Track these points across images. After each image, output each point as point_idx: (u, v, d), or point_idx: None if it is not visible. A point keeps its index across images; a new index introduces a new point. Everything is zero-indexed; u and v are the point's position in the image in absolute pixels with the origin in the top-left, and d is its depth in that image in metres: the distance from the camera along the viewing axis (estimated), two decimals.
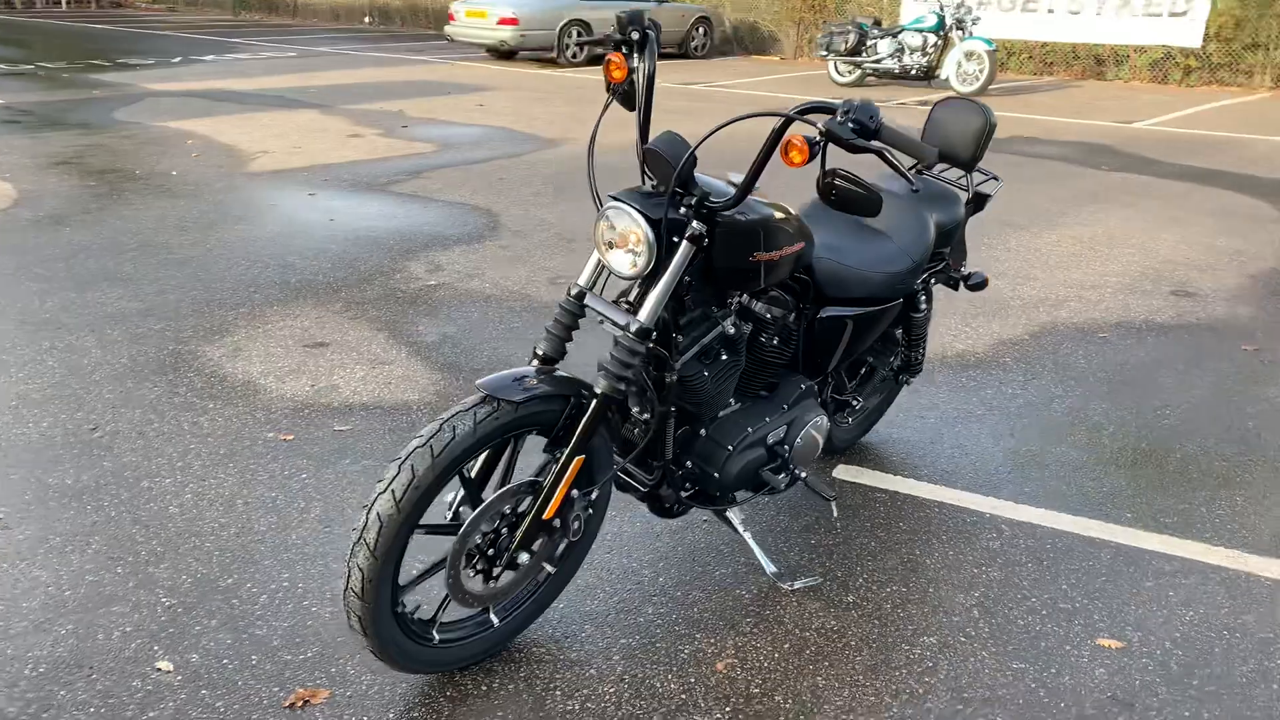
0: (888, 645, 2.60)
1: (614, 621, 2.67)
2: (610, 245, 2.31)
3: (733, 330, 2.59)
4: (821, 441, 2.90)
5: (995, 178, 3.46)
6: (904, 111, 11.68)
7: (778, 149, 2.16)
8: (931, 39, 13.15)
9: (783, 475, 2.73)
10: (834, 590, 2.83)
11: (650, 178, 2.39)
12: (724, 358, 2.61)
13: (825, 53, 13.74)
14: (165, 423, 3.71)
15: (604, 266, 2.43)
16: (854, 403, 3.27)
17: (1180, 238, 6.42)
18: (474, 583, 2.36)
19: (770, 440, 2.75)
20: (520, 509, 2.36)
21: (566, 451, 2.31)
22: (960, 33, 13.02)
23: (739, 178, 2.45)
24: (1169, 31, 14.69)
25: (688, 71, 15.61)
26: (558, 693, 2.41)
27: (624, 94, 2.55)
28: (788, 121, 2.19)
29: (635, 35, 2.43)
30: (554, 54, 15.86)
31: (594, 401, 2.31)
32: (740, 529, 2.76)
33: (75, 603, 2.69)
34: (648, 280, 2.35)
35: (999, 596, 2.80)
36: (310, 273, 5.45)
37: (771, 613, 2.72)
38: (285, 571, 2.85)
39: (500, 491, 2.31)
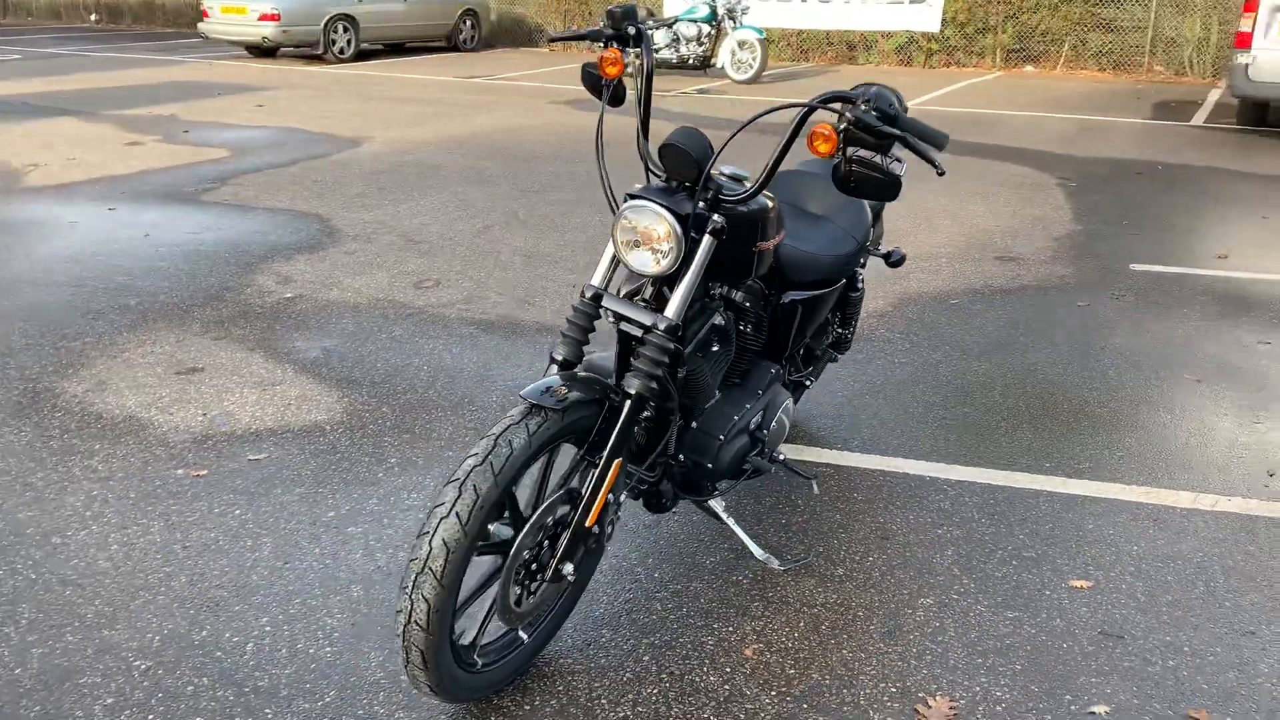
0: (893, 611, 2.71)
1: (629, 622, 2.65)
2: (636, 244, 2.28)
3: (722, 321, 2.62)
4: (789, 423, 2.98)
5: (899, 160, 3.63)
6: (689, 100, 12.00)
7: (802, 139, 2.20)
8: (705, 29, 13.56)
9: (765, 459, 2.78)
10: (823, 566, 2.92)
11: (658, 173, 2.37)
12: (716, 349, 2.64)
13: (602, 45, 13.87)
14: (51, 470, 3.34)
15: (617, 267, 2.39)
16: (807, 384, 3.37)
17: (986, 209, 6.96)
18: (519, 600, 2.29)
19: (750, 426, 2.80)
20: (559, 519, 2.30)
21: (605, 455, 2.27)
22: (732, 22, 13.49)
23: (729, 169, 2.48)
24: (912, 18, 15.79)
25: (464, 65, 15.39)
26: (604, 701, 2.38)
27: (615, 94, 2.53)
28: (808, 112, 2.23)
29: (632, 30, 2.41)
30: (320, 50, 15.22)
31: (628, 402, 2.27)
32: (724, 517, 2.79)
33: (31, 682, 2.40)
34: (667, 277, 2.33)
35: (970, 553, 2.98)
36: (149, 293, 5.02)
37: (774, 594, 2.78)
38: (261, 616, 2.65)
39: (547, 503, 2.24)
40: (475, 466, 2.06)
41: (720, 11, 13.52)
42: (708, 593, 2.78)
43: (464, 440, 3.57)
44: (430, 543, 2.03)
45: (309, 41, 15.11)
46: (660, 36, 13.69)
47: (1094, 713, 2.35)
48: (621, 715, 2.33)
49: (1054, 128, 10.10)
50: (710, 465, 2.64)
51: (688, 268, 2.29)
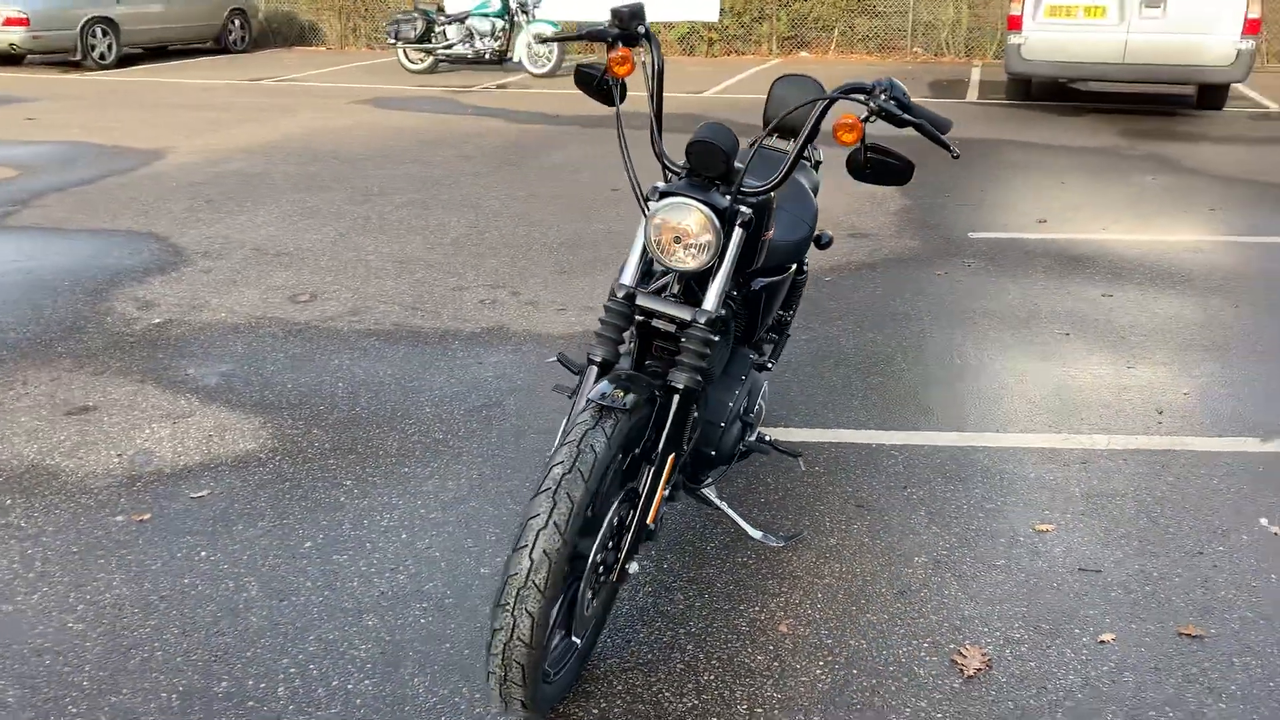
0: (896, 574, 2.87)
1: (658, 614, 2.69)
2: (676, 240, 2.30)
3: (725, 312, 2.69)
4: (765, 405, 3.09)
5: (816, 148, 3.80)
6: (490, 95, 11.91)
7: (825, 130, 2.29)
8: (499, 23, 13.48)
9: (755, 441, 2.88)
10: (815, 539, 3.05)
11: (674, 169, 2.40)
12: (717, 339, 2.70)
13: (394, 41, 13.55)
14: None
15: (650, 264, 2.41)
16: (769, 366, 3.48)
17: (848, 185, 7.29)
18: (588, 604, 2.29)
19: (740, 411, 2.89)
20: (622, 519, 2.31)
21: (660, 452, 2.30)
22: (525, 16, 13.47)
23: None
24: (691, 8, 16.26)
25: (240, 67, 14.61)
26: (667, 693, 2.41)
27: (607, 90, 2.54)
28: (829, 104, 2.33)
29: (642, 30, 2.43)
30: (77, 56, 14.07)
31: (677, 397, 2.31)
32: (719, 502, 2.87)
33: None
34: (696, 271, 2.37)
35: (940, 511, 3.19)
36: None
37: (782, 571, 2.89)
38: (280, 657, 2.52)
39: (614, 506, 2.25)
40: (565, 475, 2.04)
41: (513, 5, 13.46)
42: (722, 577, 2.85)
43: (414, 455, 3.48)
44: (530, 555, 2.00)
45: (64, 47, 13.94)
46: (453, 32, 13.51)
47: (1104, 641, 2.58)
48: (690, 705, 2.37)
49: (852, 107, 10.66)
50: (714, 452, 2.70)
51: (722, 260, 2.34)
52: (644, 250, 2.41)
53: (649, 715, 2.34)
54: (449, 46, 13.55)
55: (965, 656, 2.52)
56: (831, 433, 3.67)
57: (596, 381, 2.31)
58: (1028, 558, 2.94)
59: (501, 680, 2.08)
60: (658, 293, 2.44)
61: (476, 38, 13.48)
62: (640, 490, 2.31)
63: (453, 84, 12.83)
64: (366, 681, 2.43)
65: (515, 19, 13.50)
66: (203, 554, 2.94)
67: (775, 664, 2.51)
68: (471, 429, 3.68)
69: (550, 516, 2.01)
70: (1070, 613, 2.70)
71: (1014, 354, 4.37)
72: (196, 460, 3.45)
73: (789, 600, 2.75)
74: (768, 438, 2.96)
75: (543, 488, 2.04)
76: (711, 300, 2.34)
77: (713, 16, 16.33)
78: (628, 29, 2.48)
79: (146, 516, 3.12)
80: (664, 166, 2.44)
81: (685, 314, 2.33)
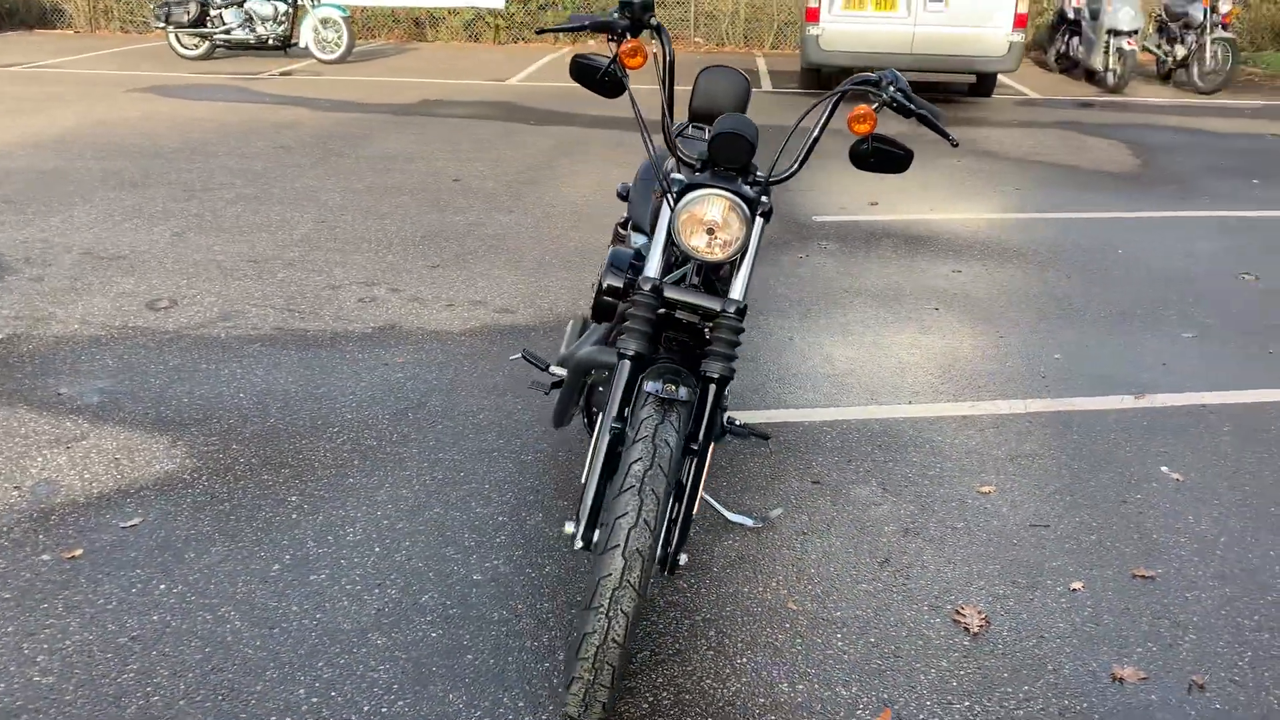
0: (872, 544, 3.01)
1: (668, 605, 2.71)
2: (709, 232, 2.32)
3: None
4: None
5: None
6: (282, 83, 11.36)
7: (838, 120, 2.37)
8: (282, 7, 12.83)
9: (728, 425, 2.94)
10: (787, 518, 3.14)
11: (689, 160, 2.42)
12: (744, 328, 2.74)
13: (164, 25, 12.64)
14: None
15: (673, 256, 2.41)
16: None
17: None
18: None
19: None
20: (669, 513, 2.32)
21: (701, 441, 2.32)
22: (310, 0, 12.88)
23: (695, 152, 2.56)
24: None
25: None
26: (709, 681, 2.44)
27: (609, 82, 2.52)
28: (840, 96, 2.41)
29: (654, 22, 2.42)
30: None
31: (713, 386, 2.33)
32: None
33: None
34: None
35: (890, 481, 3.36)
36: None
37: (770, 551, 2.97)
38: (295, 688, 2.37)
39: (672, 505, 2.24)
40: (646, 471, 2.03)
41: None
42: (716, 562, 2.90)
43: (353, 465, 3.32)
44: (623, 555, 1.98)
45: None
46: (231, 16, 12.74)
47: (1075, 589, 2.81)
48: (734, 689, 2.41)
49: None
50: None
51: (748, 250, 2.38)
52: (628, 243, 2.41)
53: (698, 703, 2.35)
54: (227, 31, 12.76)
55: (964, 615, 2.68)
56: (762, 413, 3.78)
57: (630, 376, 2.29)
58: (983, 518, 3.15)
59: (589, 685, 2.04)
60: (677, 282, 2.45)
61: (258, 22, 12.77)
62: (685, 482, 2.32)
63: (236, 71, 12.11)
64: (400, 703, 2.32)
65: (300, 2, 12.87)
66: (161, 587, 2.70)
67: (798, 640, 2.58)
68: (404, 433, 3.54)
69: (639, 514, 1.99)
70: (1038, 566, 2.92)
71: (897, 330, 4.63)
72: (111, 486, 3.15)
73: (785, 579, 2.83)
74: (737, 421, 3.02)
75: (625, 486, 2.02)
76: (739, 289, 2.37)
77: (498, 3, 16.16)
78: (640, 20, 2.46)
79: (77, 553, 2.83)
80: (679, 159, 2.43)
81: (715, 304, 2.35)
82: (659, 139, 3.47)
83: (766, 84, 12.12)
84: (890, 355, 4.35)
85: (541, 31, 2.67)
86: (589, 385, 2.94)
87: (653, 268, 2.39)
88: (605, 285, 2.72)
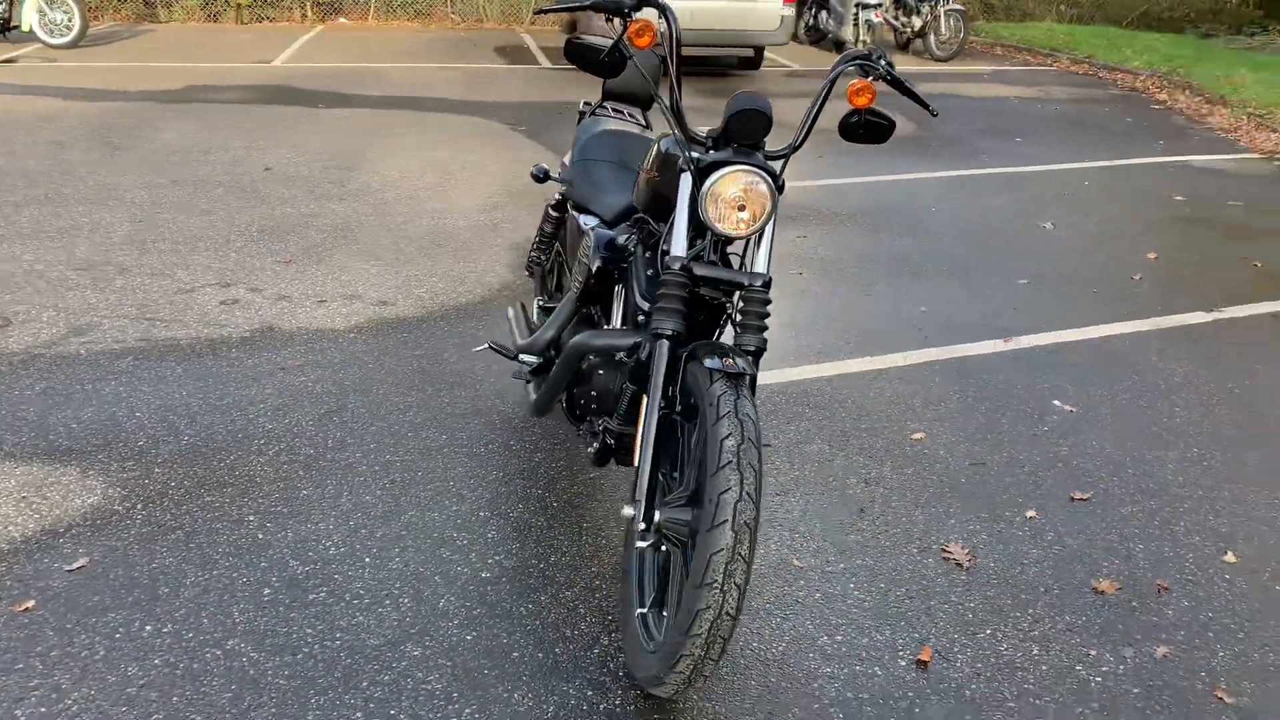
0: (845, 498, 3.18)
1: None
2: (740, 208, 2.36)
3: None
4: None
5: (634, 115, 3.92)
6: (12, 71, 10.27)
7: (840, 95, 2.47)
8: None
9: None
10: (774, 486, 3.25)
11: (701, 139, 2.45)
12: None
13: None
14: None
15: (699, 233, 2.44)
16: None
17: (493, 155, 7.31)
18: None
19: None
20: None
21: None
22: None
23: (703, 130, 2.61)
24: None
25: None
26: (755, 642, 2.52)
27: (611, 63, 2.51)
28: (839, 71, 2.50)
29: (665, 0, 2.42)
30: None
31: (749, 359, 2.39)
32: None
33: None
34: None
35: (832, 437, 3.53)
36: None
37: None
38: (354, 712, 2.26)
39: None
40: (740, 444, 2.06)
41: None
42: None
43: (299, 476, 3.15)
44: (732, 528, 2.01)
45: None
46: None
47: (1032, 517, 3.09)
48: (782, 649, 2.50)
49: (444, 77, 10.65)
50: None
51: (769, 223, 2.44)
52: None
53: (755, 665, 2.43)
54: None
55: (951, 552, 2.89)
56: None
57: (671, 355, 2.31)
58: (928, 463, 3.38)
59: (699, 660, 2.07)
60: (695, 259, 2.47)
61: None
62: None
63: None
64: (467, 710, 2.26)
65: None
66: (148, 628, 2.47)
67: (818, 594, 2.70)
68: (339, 439, 3.38)
69: (742, 487, 2.03)
70: (991, 500, 3.18)
71: (774, 294, 4.82)
72: (34, 529, 2.84)
73: (784, 542, 2.93)
74: None
75: (723, 462, 2.04)
76: (762, 262, 2.43)
77: None
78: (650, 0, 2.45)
79: (29, 605, 2.54)
80: (689, 137, 2.45)
81: (742, 278, 2.40)
82: (627, 124, 3.41)
83: (544, 61, 12.10)
84: (779, 318, 4.52)
85: (540, 12, 2.60)
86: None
87: (679, 246, 2.40)
88: (596, 270, 2.71)
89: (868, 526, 3.00)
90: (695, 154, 2.39)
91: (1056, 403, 3.82)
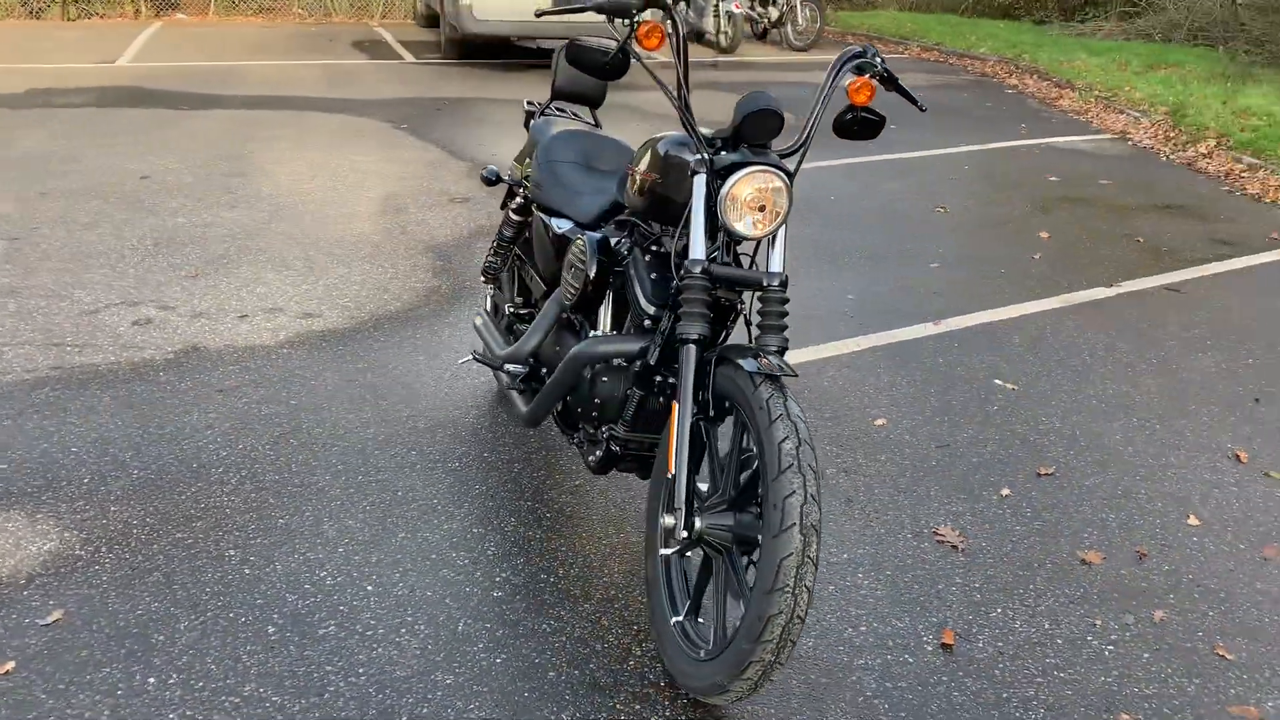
0: (830, 487, 3.22)
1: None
2: (760, 208, 2.36)
3: None
4: None
5: (577, 115, 3.87)
6: None
7: (841, 91, 2.50)
8: None
9: None
10: None
11: (712, 138, 2.43)
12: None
13: None
14: None
15: (722, 234, 2.42)
16: None
17: (378, 157, 7.09)
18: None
19: None
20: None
21: None
22: None
23: (707, 130, 2.61)
24: None
25: None
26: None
27: (617, 68, 2.48)
28: (840, 68, 2.52)
29: (670, 1, 2.39)
30: None
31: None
32: None
33: None
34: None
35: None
36: None
37: None
38: None
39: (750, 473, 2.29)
40: (798, 447, 2.06)
41: None
42: None
43: (271, 504, 2.99)
44: (800, 532, 2.01)
45: None
46: None
47: (1005, 494, 3.21)
48: (812, 643, 2.52)
49: (308, 74, 10.27)
50: None
51: (784, 223, 2.45)
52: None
53: (791, 661, 2.43)
54: None
55: (943, 535, 2.97)
56: None
57: (698, 359, 2.30)
58: (897, 447, 3.46)
59: (769, 666, 2.06)
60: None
61: None
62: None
63: None
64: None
65: None
66: (151, 680, 2.31)
67: (831, 587, 2.73)
68: (303, 461, 3.23)
69: (805, 490, 2.03)
70: (965, 480, 3.28)
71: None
72: (3, 574, 2.61)
73: None
74: None
75: (784, 466, 2.04)
76: (778, 261, 2.44)
77: None
78: (658, 1, 2.40)
79: (9, 667, 2.34)
80: (699, 139, 2.42)
81: (762, 278, 2.40)
82: (578, 124, 3.34)
83: (408, 56, 11.81)
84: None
85: (542, 14, 2.52)
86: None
87: (698, 249, 2.37)
88: (593, 276, 2.66)
89: (859, 515, 3.05)
90: (706, 154, 2.36)
91: (997, 382, 3.97)
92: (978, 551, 2.90)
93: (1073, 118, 9.38)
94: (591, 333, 2.87)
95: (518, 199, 3.38)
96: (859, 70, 2.50)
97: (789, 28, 13.39)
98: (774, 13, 13.60)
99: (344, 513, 2.95)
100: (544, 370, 3.00)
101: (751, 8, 13.92)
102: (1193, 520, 3.09)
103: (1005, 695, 2.36)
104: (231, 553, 2.75)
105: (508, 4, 10.08)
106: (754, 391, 2.15)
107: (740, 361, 2.21)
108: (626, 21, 2.42)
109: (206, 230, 5.37)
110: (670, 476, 2.26)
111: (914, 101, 2.62)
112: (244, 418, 3.46)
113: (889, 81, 2.54)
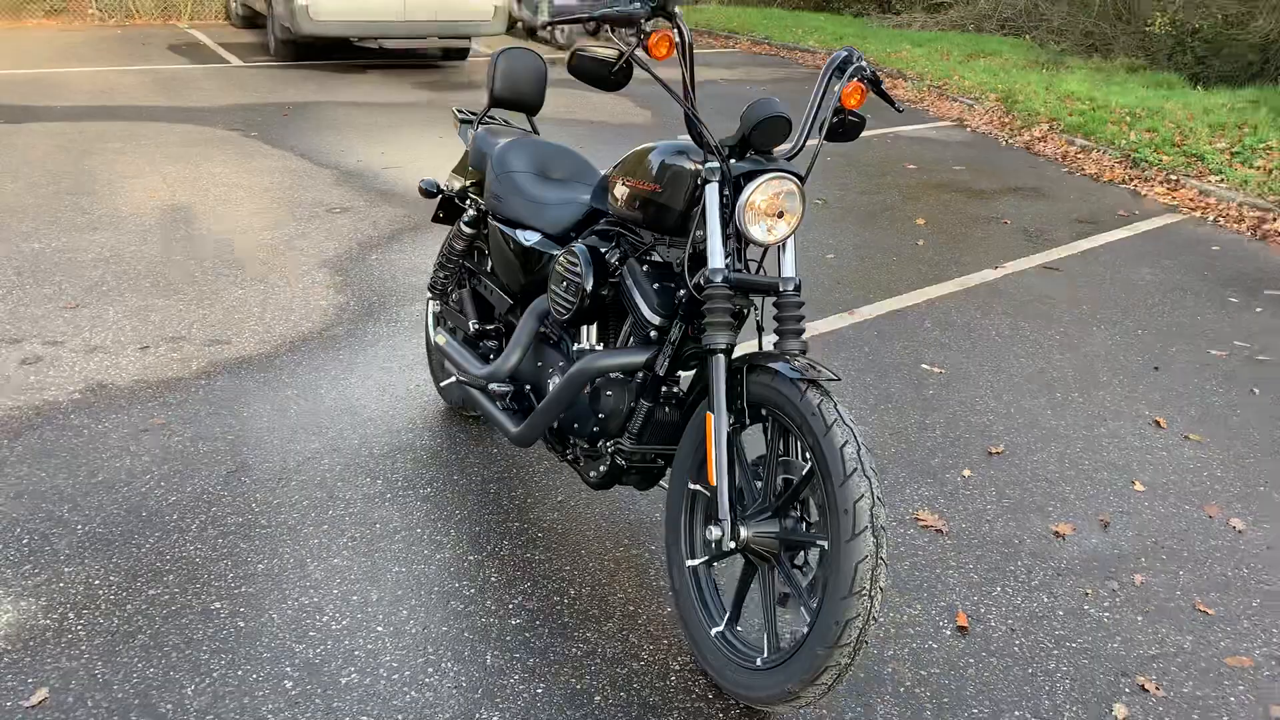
0: None
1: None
2: (779, 215, 2.37)
3: None
4: None
5: (508, 122, 3.79)
6: None
7: (837, 97, 2.54)
8: None
9: None
10: None
11: (718, 147, 2.43)
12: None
13: None
14: None
15: (731, 241, 2.42)
16: None
17: (254, 166, 6.72)
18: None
19: None
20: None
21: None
22: None
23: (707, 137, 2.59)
24: None
25: None
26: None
27: (618, 78, 2.44)
28: (831, 72, 2.56)
29: (677, 9, 2.36)
30: None
31: None
32: None
33: None
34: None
35: None
36: None
37: None
38: None
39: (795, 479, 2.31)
40: (858, 452, 2.09)
41: None
42: None
43: (243, 549, 2.80)
44: (873, 535, 2.04)
45: None
46: None
47: (966, 475, 3.35)
48: None
49: (132, 81, 9.63)
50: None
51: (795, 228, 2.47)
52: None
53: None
54: None
55: (926, 520, 3.08)
56: None
57: (728, 369, 2.30)
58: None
59: (844, 669, 2.09)
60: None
61: None
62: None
63: None
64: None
65: None
66: None
67: None
68: (263, 500, 3.05)
69: (873, 493, 2.06)
70: (926, 463, 3.40)
71: None
72: None
73: None
74: None
75: (849, 470, 2.06)
76: (791, 266, 2.45)
77: None
78: (664, 7, 2.36)
79: None
80: (707, 146, 2.41)
81: (778, 283, 2.41)
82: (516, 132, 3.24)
83: (234, 59, 11.24)
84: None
85: (546, 25, 2.43)
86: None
87: (718, 258, 2.36)
88: (591, 290, 2.62)
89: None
90: (715, 163, 2.36)
91: (925, 366, 4.13)
92: (960, 533, 3.01)
93: (911, 107, 9.82)
94: (576, 346, 2.82)
95: (470, 211, 3.28)
96: (841, 73, 2.53)
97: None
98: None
99: (326, 551, 2.80)
100: (528, 387, 2.93)
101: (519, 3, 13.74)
102: (1138, 486, 3.30)
103: (1030, 670, 2.46)
104: (217, 605, 2.57)
105: (347, 3, 9.74)
106: (801, 398, 2.15)
107: (778, 368, 2.21)
108: (631, 31, 2.37)
109: (72, 256, 4.96)
110: (711, 488, 2.25)
111: (892, 104, 2.68)
112: (182, 457, 3.23)
113: (873, 84, 2.58)
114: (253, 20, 13.27)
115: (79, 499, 2.98)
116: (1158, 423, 3.73)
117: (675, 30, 2.38)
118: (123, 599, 2.57)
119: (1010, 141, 8.41)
